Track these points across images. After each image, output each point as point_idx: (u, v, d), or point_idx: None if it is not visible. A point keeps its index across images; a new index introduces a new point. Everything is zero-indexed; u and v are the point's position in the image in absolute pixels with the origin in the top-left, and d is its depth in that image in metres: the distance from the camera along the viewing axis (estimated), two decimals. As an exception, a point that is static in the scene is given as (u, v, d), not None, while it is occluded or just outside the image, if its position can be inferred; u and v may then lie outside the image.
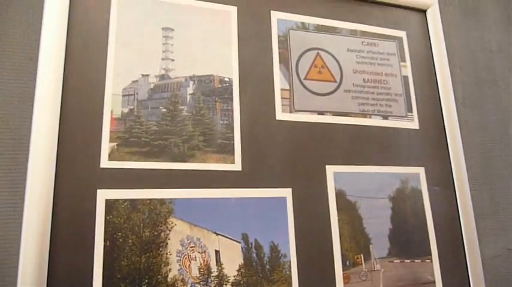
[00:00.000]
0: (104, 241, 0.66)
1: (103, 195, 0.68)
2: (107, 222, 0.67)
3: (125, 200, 0.69)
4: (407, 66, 1.00)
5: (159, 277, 0.68)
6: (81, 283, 0.64)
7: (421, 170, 0.92)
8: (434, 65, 1.02)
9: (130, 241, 0.68)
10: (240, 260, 0.73)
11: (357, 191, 0.84)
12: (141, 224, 0.69)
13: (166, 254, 0.69)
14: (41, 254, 0.62)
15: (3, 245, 0.63)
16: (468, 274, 0.89)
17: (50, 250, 0.63)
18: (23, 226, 0.62)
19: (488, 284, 0.91)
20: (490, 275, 0.92)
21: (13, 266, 0.62)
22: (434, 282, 0.86)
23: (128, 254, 0.67)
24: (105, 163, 0.70)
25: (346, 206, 0.82)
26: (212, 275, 0.71)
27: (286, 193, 0.79)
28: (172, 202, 0.71)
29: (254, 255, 0.74)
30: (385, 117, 0.93)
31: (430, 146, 0.95)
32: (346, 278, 0.78)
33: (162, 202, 0.71)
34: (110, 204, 0.68)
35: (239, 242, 0.74)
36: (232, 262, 0.72)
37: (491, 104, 1.08)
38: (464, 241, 0.91)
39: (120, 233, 0.67)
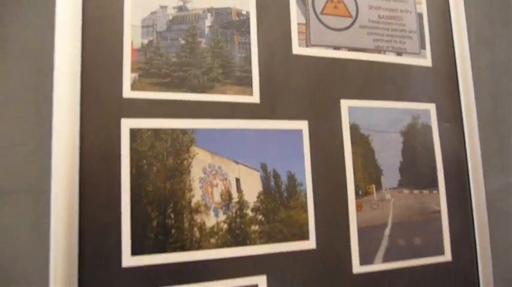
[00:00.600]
0: (130, 168, 0.69)
1: (127, 124, 0.70)
2: (131, 150, 0.69)
3: (148, 129, 0.71)
4: (422, 3, 0.99)
5: (183, 201, 0.71)
6: (110, 208, 0.67)
7: (432, 107, 0.94)
8: (448, 3, 1.02)
9: (155, 168, 0.70)
10: (259, 188, 0.76)
11: (370, 125, 0.86)
12: (165, 153, 0.72)
13: (190, 181, 0.72)
14: (71, 181, 0.65)
15: (36, 173, 0.66)
16: (471, 206, 0.94)
17: (80, 177, 0.66)
18: (52, 156, 0.64)
19: (490, 215, 0.96)
20: (491, 208, 0.97)
21: (45, 189, 0.65)
22: (440, 212, 0.90)
23: (153, 180, 0.70)
24: (127, 93, 0.71)
25: (360, 140, 0.85)
26: (233, 201, 0.74)
27: (303, 125, 0.81)
28: (194, 131, 0.73)
29: (272, 183, 0.77)
30: (399, 54, 0.93)
31: (441, 84, 0.97)
32: (359, 206, 0.82)
33: (184, 131, 0.73)
34: (133, 133, 0.70)
35: (258, 171, 0.77)
36: (251, 190, 0.76)
37: (504, 44, 1.08)
38: (470, 175, 0.95)
39: (144, 161, 0.70)
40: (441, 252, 0.89)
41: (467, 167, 0.95)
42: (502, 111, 1.04)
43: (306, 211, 0.78)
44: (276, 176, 0.78)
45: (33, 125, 0.67)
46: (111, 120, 0.70)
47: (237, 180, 0.75)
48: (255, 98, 0.79)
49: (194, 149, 0.73)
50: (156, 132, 0.71)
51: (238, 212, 0.74)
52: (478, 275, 0.92)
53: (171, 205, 0.71)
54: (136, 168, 0.69)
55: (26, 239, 0.65)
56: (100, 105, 0.69)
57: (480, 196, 0.95)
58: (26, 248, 0.65)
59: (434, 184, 0.91)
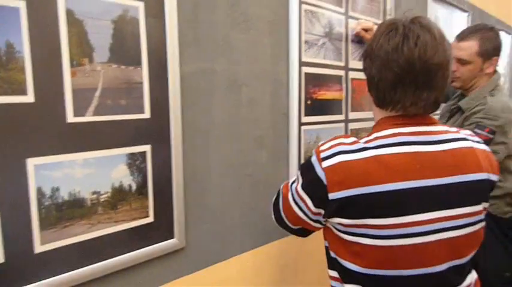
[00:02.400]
0: None
1: None
2: None
3: None
4: None
5: None
6: None
7: (140, 4, 1.25)
8: None
9: None
10: (-21, 52, 0.95)
11: (84, 12, 1.12)
12: None
13: None
14: None
15: None
16: (167, 81, 1.34)
17: None
18: None
19: (183, 88, 1.39)
20: (185, 84, 1.40)
21: None
22: (142, 83, 1.27)
23: None
24: None
25: (75, 23, 1.10)
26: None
27: (21, 4, 1.00)
28: None
29: (-8, 49, 0.96)
30: (113, -43, 1.18)
31: (149, -12, 1.28)
32: (73, 74, 1.10)
33: None
34: None
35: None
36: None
37: (204, -37, 1.45)
38: (168, 60, 1.34)
39: None
40: (142, 111, 1.28)
41: (166, 53, 1.34)
42: (198, 12, 1.44)
43: (24, 73, 1.02)
44: (-5, 44, 0.97)
45: None
46: None
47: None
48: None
49: None
50: None
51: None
52: (169, 128, 1.36)
53: None
54: None
55: None
56: None
57: (175, 75, 1.36)
58: None
59: (138, 63, 1.26)
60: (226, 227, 1.60)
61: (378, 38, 1.06)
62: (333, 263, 1.12)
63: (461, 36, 2.00)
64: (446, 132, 1.07)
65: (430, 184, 0.98)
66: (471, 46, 1.96)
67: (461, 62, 1.98)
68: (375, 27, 2.09)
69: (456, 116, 2.06)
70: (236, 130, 1.60)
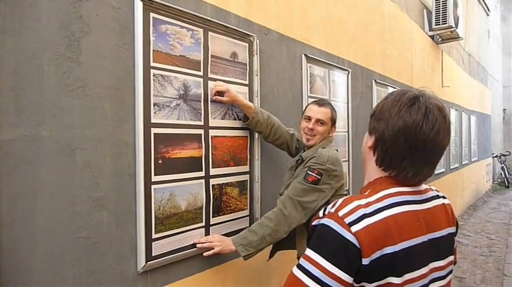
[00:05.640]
0: None
1: None
2: None
3: None
4: None
5: None
6: None
7: None
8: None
9: None
10: None
11: None
12: None
13: None
14: None
15: None
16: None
17: None
18: None
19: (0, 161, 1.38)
20: (3, 155, 1.39)
21: None
22: None
23: None
24: None
25: None
26: None
27: None
28: None
29: None
30: None
31: None
32: None
33: None
34: None
35: None
36: None
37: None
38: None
39: None
40: None
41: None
42: (21, 79, 1.46)
43: None
44: None
45: None
46: None
47: None
48: None
49: None
50: None
51: None
52: None
53: None
54: None
55: None
56: None
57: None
58: None
59: None
60: (55, 293, 1.57)
61: (398, 106, 1.09)
62: None
63: (320, 103, 2.40)
64: (427, 190, 1.18)
65: (426, 239, 1.09)
66: (327, 112, 2.37)
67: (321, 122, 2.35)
68: (230, 89, 2.25)
69: (301, 166, 2.33)
70: (69, 193, 1.61)
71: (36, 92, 1.51)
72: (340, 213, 1.03)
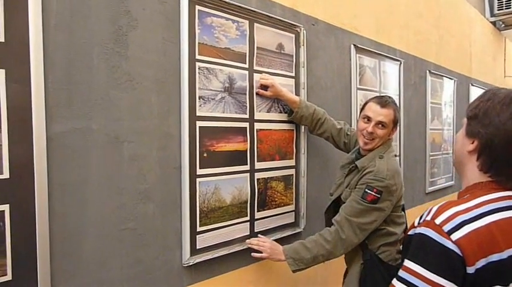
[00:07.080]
0: None
1: None
2: None
3: None
4: (-1, -8, 1.32)
5: None
6: None
7: (1, 72, 1.32)
8: None
9: None
10: None
11: None
12: None
13: None
14: None
15: None
16: (32, 144, 1.39)
17: None
18: None
19: (53, 153, 1.43)
20: (54, 143, 1.45)
21: None
22: (1, 146, 1.32)
23: None
24: None
25: None
26: None
27: None
28: None
29: None
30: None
31: (13, 55, 1.34)
32: None
33: None
34: None
35: None
36: None
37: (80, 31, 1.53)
38: (34, 121, 1.39)
39: None
40: (1, 172, 1.32)
41: (31, 116, 1.39)
42: (72, 74, 1.51)
43: None
44: None
45: None
46: None
47: None
48: None
49: None
50: None
51: None
52: (34, 187, 1.40)
53: None
54: None
55: None
56: None
57: (40, 136, 1.41)
58: None
59: None
60: (104, 281, 1.61)
61: (511, 112, 1.05)
62: None
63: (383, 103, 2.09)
64: None
65: None
66: (390, 113, 2.07)
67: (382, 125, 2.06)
68: (275, 84, 2.20)
69: (355, 174, 2.13)
70: (117, 185, 1.64)
71: (87, 86, 1.55)
72: (437, 221, 0.99)
